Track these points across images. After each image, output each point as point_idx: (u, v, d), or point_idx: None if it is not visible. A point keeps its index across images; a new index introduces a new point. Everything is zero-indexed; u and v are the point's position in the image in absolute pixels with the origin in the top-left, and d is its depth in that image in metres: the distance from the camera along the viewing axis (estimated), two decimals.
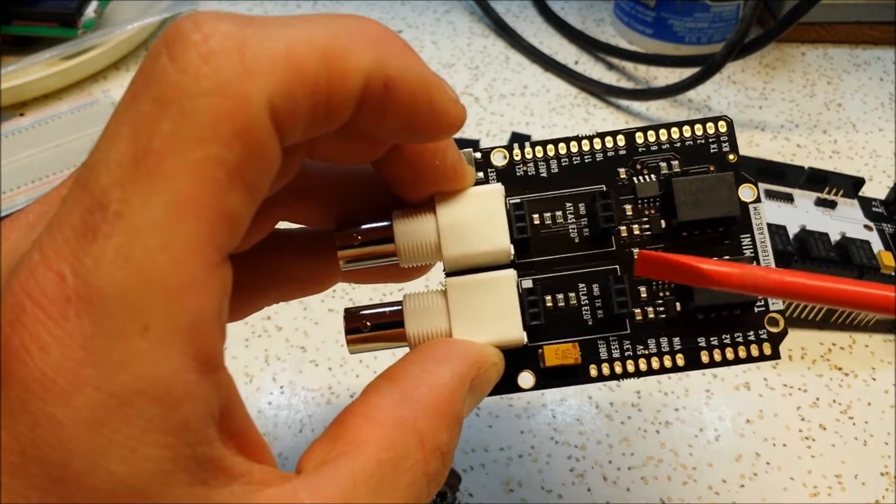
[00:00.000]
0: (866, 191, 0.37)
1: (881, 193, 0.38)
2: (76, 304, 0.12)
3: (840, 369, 0.33)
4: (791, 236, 0.33)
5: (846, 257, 0.33)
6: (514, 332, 0.19)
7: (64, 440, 0.12)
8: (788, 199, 0.35)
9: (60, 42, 0.45)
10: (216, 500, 0.13)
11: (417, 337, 0.19)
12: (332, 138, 0.17)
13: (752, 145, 0.44)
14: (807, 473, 0.30)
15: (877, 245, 0.33)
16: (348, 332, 0.20)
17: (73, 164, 0.37)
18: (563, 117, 0.45)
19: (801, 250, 0.32)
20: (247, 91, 0.13)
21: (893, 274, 0.32)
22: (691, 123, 0.20)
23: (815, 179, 0.36)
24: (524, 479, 0.29)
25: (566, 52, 0.50)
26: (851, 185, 0.36)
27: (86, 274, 0.12)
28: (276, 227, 0.22)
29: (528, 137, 0.43)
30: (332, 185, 0.20)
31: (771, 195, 0.35)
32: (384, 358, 0.19)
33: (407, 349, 0.19)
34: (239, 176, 0.13)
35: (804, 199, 0.36)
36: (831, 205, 0.35)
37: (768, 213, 0.34)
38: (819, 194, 0.36)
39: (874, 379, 0.33)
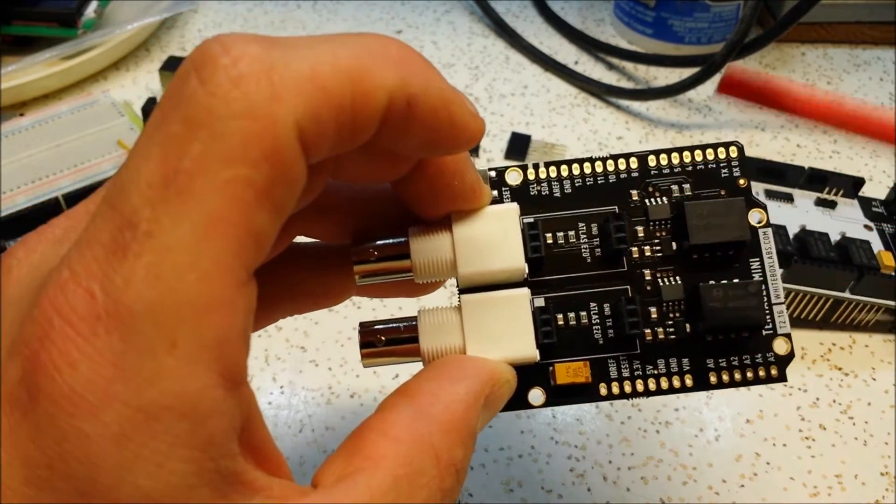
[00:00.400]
0: (866, 191, 0.37)
1: (881, 193, 0.38)
2: (106, 321, 0.12)
3: (840, 369, 0.33)
4: (791, 236, 0.33)
5: (846, 257, 0.33)
6: (528, 350, 0.19)
7: (91, 455, 0.12)
8: (788, 199, 0.35)
9: (60, 42, 0.45)
10: None
11: (431, 353, 0.19)
12: (356, 159, 0.17)
13: (752, 145, 0.44)
14: (807, 473, 0.30)
15: (877, 245, 0.33)
16: (363, 345, 0.20)
17: (73, 164, 0.37)
18: (563, 117, 0.45)
19: (801, 250, 0.32)
20: (275, 114, 0.13)
21: (893, 274, 0.32)
22: (703, 148, 0.21)
23: (815, 179, 0.36)
24: (524, 479, 0.29)
25: (566, 52, 0.50)
26: (851, 185, 0.36)
27: (116, 292, 0.12)
28: (296, 242, 0.22)
29: (528, 137, 0.43)
30: (351, 201, 0.20)
31: (771, 195, 0.35)
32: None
33: (420, 364, 0.20)
34: (267, 196, 0.13)
35: (804, 199, 0.36)
36: (831, 205, 0.35)
37: (769, 213, 0.34)
38: (819, 194, 0.36)
39: (874, 379, 0.33)
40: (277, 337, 0.34)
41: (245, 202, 0.13)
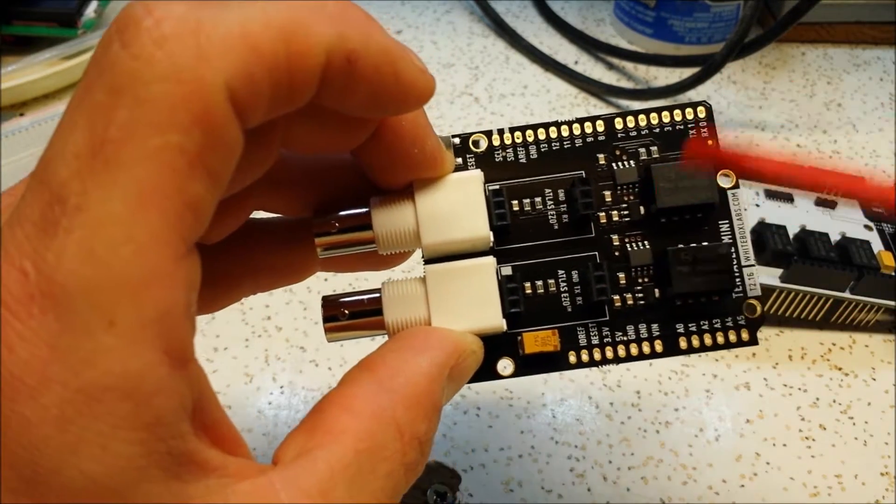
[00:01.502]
0: None
1: None
2: (40, 300, 0.12)
3: (840, 369, 0.33)
4: (791, 236, 0.33)
5: (846, 257, 0.33)
6: (494, 319, 0.19)
7: (33, 439, 0.12)
8: (788, 199, 0.35)
9: (60, 42, 0.45)
10: (191, 495, 0.13)
11: (396, 325, 0.19)
12: (307, 126, 0.17)
13: (752, 145, 0.44)
14: (807, 473, 0.30)
15: (877, 245, 0.33)
16: (326, 319, 0.20)
17: None
18: (564, 117, 0.45)
19: (801, 250, 0.32)
20: (203, 75, 0.12)
21: (893, 274, 0.32)
22: (670, 109, 0.21)
23: None
24: (524, 479, 0.29)
25: (566, 52, 0.50)
26: None
27: (48, 270, 0.12)
28: (254, 218, 0.21)
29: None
30: (308, 173, 0.20)
31: (771, 195, 0.35)
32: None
33: (385, 338, 0.19)
34: (200, 163, 0.13)
35: (804, 198, 0.36)
36: (831, 205, 0.35)
37: (768, 212, 0.34)
38: (819, 194, 0.36)
39: (874, 379, 0.33)
40: (277, 337, 0.34)
41: (177, 170, 0.12)
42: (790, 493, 0.29)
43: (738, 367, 0.33)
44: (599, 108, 0.46)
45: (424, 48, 0.50)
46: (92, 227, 0.12)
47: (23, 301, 0.12)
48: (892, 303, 0.33)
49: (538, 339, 0.19)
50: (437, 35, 0.51)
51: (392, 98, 0.16)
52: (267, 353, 0.33)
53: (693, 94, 0.47)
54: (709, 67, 0.42)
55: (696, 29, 0.48)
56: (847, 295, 0.32)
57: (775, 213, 0.34)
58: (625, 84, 0.48)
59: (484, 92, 0.47)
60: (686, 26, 0.48)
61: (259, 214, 0.21)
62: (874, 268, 0.32)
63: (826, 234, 0.33)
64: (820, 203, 0.36)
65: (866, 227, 0.35)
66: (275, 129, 0.17)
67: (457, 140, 0.21)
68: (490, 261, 0.19)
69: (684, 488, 0.29)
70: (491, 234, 0.19)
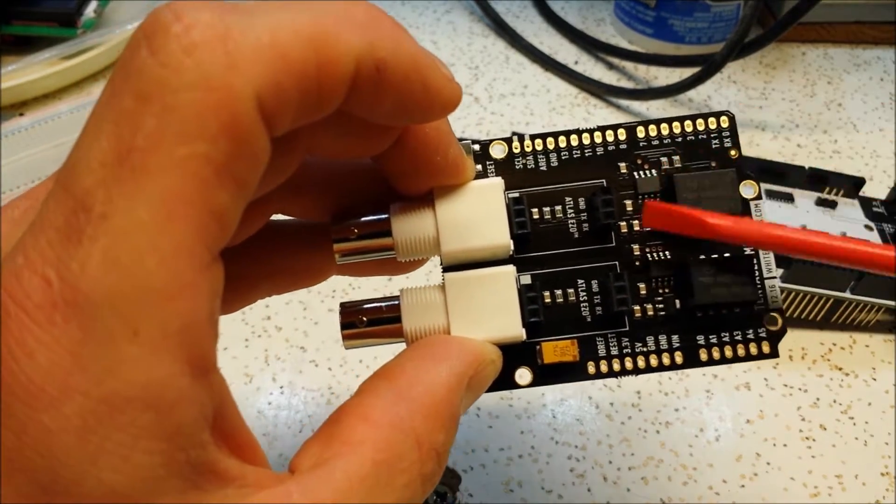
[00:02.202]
0: (867, 191, 0.37)
1: (882, 193, 0.38)
2: (63, 309, 0.12)
3: (840, 369, 0.33)
4: None
5: None
6: (514, 329, 0.19)
7: (53, 448, 0.12)
8: (789, 199, 0.35)
9: (60, 42, 0.45)
10: None
11: (414, 333, 0.19)
12: (332, 133, 0.17)
13: (752, 145, 0.44)
14: (807, 473, 0.30)
15: None
16: (344, 326, 0.20)
17: None
18: (564, 117, 0.45)
19: None
20: (232, 84, 0.12)
21: (894, 274, 0.32)
22: (693, 118, 0.20)
23: (816, 179, 0.36)
24: (524, 480, 0.29)
25: (566, 52, 0.50)
26: (852, 185, 0.36)
27: (72, 278, 0.12)
28: (274, 220, 0.21)
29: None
30: (329, 178, 0.20)
31: (771, 195, 0.35)
32: (385, 357, 0.19)
33: (403, 345, 0.19)
34: (227, 172, 0.13)
35: (805, 199, 0.36)
36: (832, 205, 0.35)
37: (769, 213, 0.34)
38: (819, 194, 0.36)
39: (874, 379, 0.33)
40: (277, 337, 0.34)
41: (204, 179, 0.12)
42: (790, 494, 0.29)
43: (738, 368, 0.33)
44: (600, 107, 0.46)
45: (424, 48, 0.50)
46: (117, 235, 0.12)
47: (45, 308, 0.12)
48: (892, 303, 0.33)
49: (557, 349, 0.19)
50: (437, 35, 0.51)
51: (419, 106, 0.16)
52: (267, 353, 0.33)
53: (693, 94, 0.47)
54: (709, 67, 0.42)
55: (696, 29, 0.48)
56: (847, 295, 0.32)
57: (775, 213, 0.34)
58: (625, 84, 0.48)
59: (484, 92, 0.47)
60: (686, 26, 0.48)
61: (276, 216, 0.21)
62: None
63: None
64: (820, 203, 0.35)
65: (866, 227, 0.35)
66: (300, 136, 0.16)
67: (477, 147, 0.20)
68: (510, 269, 0.19)
69: (684, 488, 0.29)
70: (511, 242, 0.19)
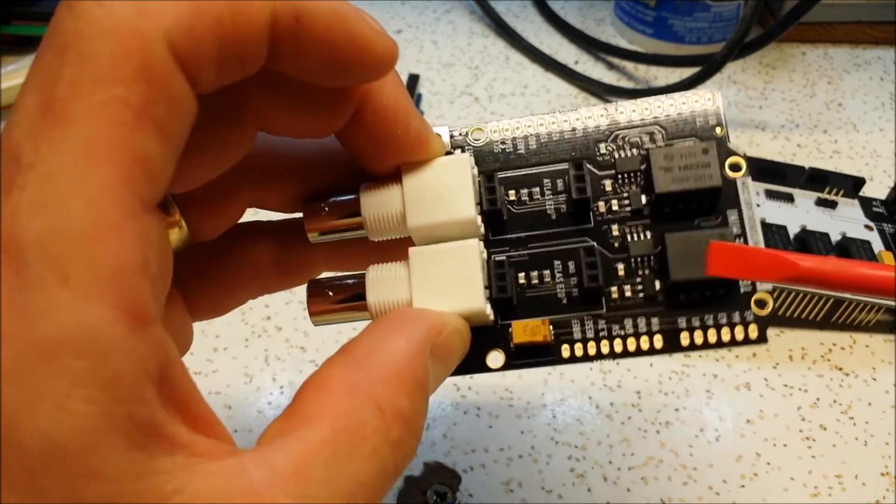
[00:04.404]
0: (867, 191, 0.37)
1: (882, 193, 0.38)
2: None
3: (840, 369, 0.33)
4: (791, 236, 0.33)
5: (847, 257, 0.32)
6: (476, 301, 0.18)
7: None
8: (789, 199, 0.35)
9: None
10: (155, 468, 0.12)
11: (378, 307, 0.19)
12: (281, 105, 0.17)
13: (752, 145, 0.44)
14: (807, 474, 0.30)
15: (877, 245, 0.33)
16: (310, 300, 0.20)
17: None
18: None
19: (801, 250, 0.32)
20: (141, 28, 0.13)
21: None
22: (677, 97, 0.20)
23: (816, 179, 0.36)
24: (524, 480, 0.29)
25: (566, 52, 0.50)
26: (852, 185, 0.36)
27: (4, 226, 0.12)
28: (258, 220, 0.21)
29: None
30: (298, 164, 0.20)
31: (771, 195, 0.35)
32: None
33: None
34: (147, 116, 0.13)
35: (805, 199, 0.36)
36: (832, 205, 0.35)
37: (769, 213, 0.34)
38: (819, 194, 0.36)
39: (875, 379, 0.33)
40: (277, 337, 0.34)
41: (123, 123, 0.13)
42: (790, 494, 0.29)
43: (738, 368, 0.33)
44: None
45: (424, 48, 0.50)
46: (43, 182, 0.12)
47: None
48: (892, 303, 0.33)
49: (528, 329, 0.19)
50: (437, 35, 0.51)
51: (349, 61, 0.16)
52: (267, 353, 0.33)
53: None
54: (709, 67, 0.42)
55: (696, 29, 0.48)
56: (847, 295, 0.32)
57: (776, 213, 0.34)
58: (625, 84, 0.48)
59: (484, 92, 0.47)
60: (686, 26, 0.48)
61: (263, 217, 0.21)
62: None
63: (826, 234, 0.33)
64: (820, 203, 0.36)
65: (867, 227, 0.35)
66: (245, 106, 0.16)
67: (456, 133, 0.20)
68: (473, 242, 0.19)
69: (685, 488, 0.29)
70: (479, 217, 0.19)
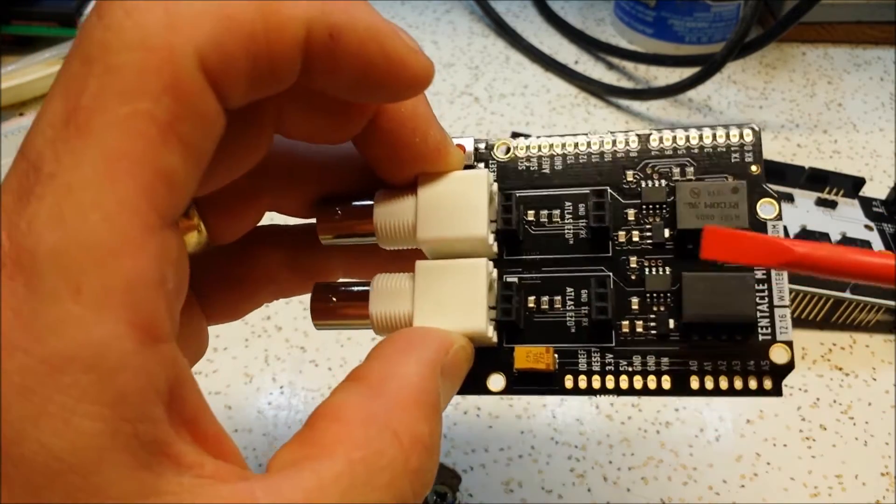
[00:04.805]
0: (867, 191, 0.37)
1: (882, 193, 0.38)
2: (10, 267, 0.12)
3: (840, 369, 0.33)
4: (791, 236, 0.33)
5: None
6: (477, 323, 0.18)
7: None
8: (789, 199, 0.35)
9: (60, 42, 0.45)
10: (161, 489, 0.12)
11: (379, 318, 0.19)
12: (299, 110, 0.17)
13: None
14: (807, 474, 0.30)
15: (877, 245, 0.33)
16: (314, 305, 0.19)
17: None
18: (564, 117, 0.45)
19: None
20: (171, 42, 0.12)
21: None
22: (713, 129, 0.19)
23: (816, 179, 0.36)
24: (524, 480, 0.29)
25: (566, 52, 0.50)
26: (852, 185, 0.36)
27: (19, 236, 0.12)
28: (274, 224, 0.21)
29: (528, 137, 0.43)
30: (319, 168, 0.20)
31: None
32: None
33: (370, 331, 0.19)
34: (172, 132, 0.13)
35: (805, 198, 0.36)
36: (832, 205, 0.35)
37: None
38: (819, 194, 0.36)
39: (874, 379, 0.33)
40: (277, 337, 0.34)
41: (148, 138, 0.12)
42: (790, 494, 0.29)
43: None
44: (600, 107, 0.46)
45: (424, 48, 0.50)
46: (62, 193, 0.12)
47: None
48: (892, 303, 0.33)
49: (530, 356, 0.18)
50: (437, 35, 0.51)
51: (383, 79, 0.15)
52: (267, 353, 0.33)
53: (693, 94, 0.47)
54: (709, 67, 0.42)
55: (696, 29, 0.48)
56: (847, 295, 0.32)
57: None
58: (625, 84, 0.48)
59: (484, 92, 0.47)
60: (686, 26, 0.48)
61: (279, 221, 0.21)
62: None
63: (826, 235, 0.33)
64: (820, 203, 0.36)
65: (866, 227, 0.35)
66: (265, 111, 0.16)
67: (481, 145, 0.20)
68: (481, 262, 0.18)
69: (685, 488, 0.29)
70: (491, 236, 0.18)
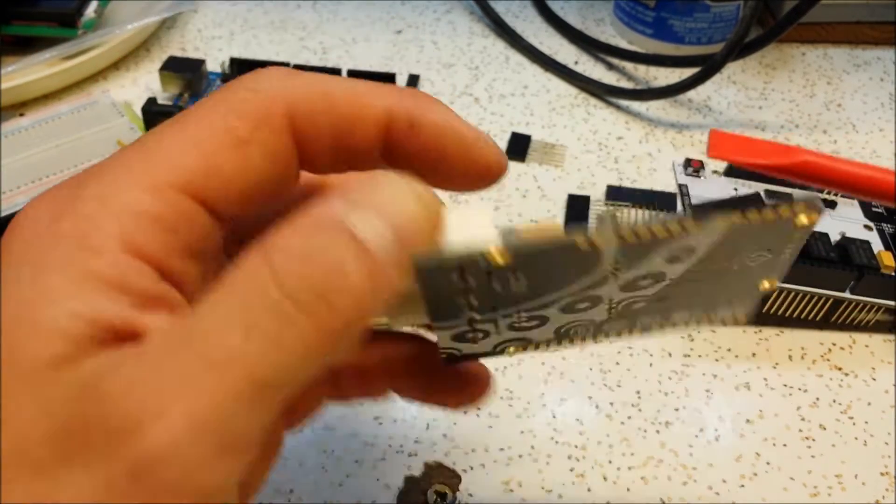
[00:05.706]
0: None
1: None
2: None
3: (840, 369, 0.33)
4: None
5: (846, 257, 0.33)
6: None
7: None
8: (788, 199, 0.35)
9: (60, 42, 0.45)
10: None
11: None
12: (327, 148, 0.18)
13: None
14: (807, 473, 0.30)
15: (877, 245, 0.33)
16: None
17: (73, 164, 0.37)
18: (563, 117, 0.45)
19: (801, 250, 0.32)
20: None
21: (893, 274, 0.32)
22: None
23: None
24: (524, 480, 0.29)
25: (566, 52, 0.50)
26: None
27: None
28: None
29: (528, 138, 0.43)
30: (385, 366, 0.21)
31: (771, 195, 0.35)
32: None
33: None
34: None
35: None
36: (831, 204, 0.35)
37: None
38: (819, 194, 0.36)
39: (874, 379, 0.33)
40: None
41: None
42: (790, 494, 0.29)
43: (738, 367, 0.33)
44: (599, 107, 0.46)
45: (424, 48, 0.50)
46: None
47: None
48: (892, 303, 0.33)
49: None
50: (437, 35, 0.51)
51: (458, 169, 0.17)
52: None
53: (693, 95, 0.47)
54: (709, 67, 0.42)
55: (696, 29, 0.48)
56: (847, 295, 0.32)
57: None
58: (625, 84, 0.48)
59: (484, 92, 0.47)
60: (686, 26, 0.48)
61: None
62: (874, 268, 0.32)
63: (826, 234, 0.33)
64: None
65: (866, 226, 0.35)
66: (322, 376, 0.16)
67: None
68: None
69: (684, 488, 0.29)
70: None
